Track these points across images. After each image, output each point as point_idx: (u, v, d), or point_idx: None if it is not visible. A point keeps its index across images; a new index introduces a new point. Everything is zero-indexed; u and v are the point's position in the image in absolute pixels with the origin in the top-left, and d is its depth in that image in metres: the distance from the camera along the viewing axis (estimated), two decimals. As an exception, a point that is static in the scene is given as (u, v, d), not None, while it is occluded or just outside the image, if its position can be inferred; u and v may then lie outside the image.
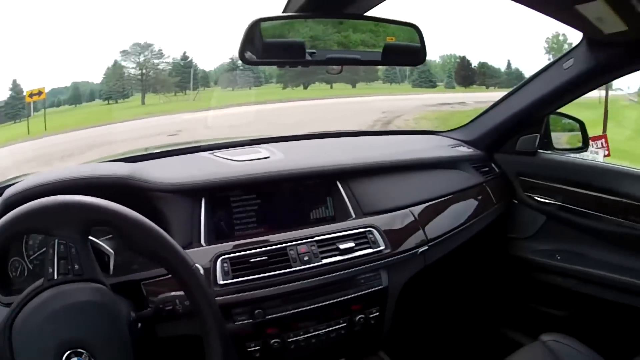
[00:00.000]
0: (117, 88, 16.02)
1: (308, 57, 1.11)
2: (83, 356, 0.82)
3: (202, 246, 1.18)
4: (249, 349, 1.15)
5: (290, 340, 1.19)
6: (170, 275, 0.93)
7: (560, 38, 15.57)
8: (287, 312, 1.18)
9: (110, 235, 1.09)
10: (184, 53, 17.29)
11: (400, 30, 1.18)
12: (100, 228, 0.92)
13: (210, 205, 1.25)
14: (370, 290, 1.30)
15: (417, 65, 1.25)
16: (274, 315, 1.16)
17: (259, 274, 1.15)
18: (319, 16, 1.10)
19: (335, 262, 1.23)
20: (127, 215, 0.88)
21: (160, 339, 1.04)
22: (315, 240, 1.25)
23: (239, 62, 1.15)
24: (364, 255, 1.28)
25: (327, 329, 1.24)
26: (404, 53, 1.20)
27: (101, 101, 15.85)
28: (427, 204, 1.54)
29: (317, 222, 1.35)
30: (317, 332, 1.23)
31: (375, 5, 1.12)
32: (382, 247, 1.32)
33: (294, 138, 1.77)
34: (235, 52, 1.17)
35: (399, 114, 12.60)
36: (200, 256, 1.12)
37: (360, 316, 1.29)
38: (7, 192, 1.10)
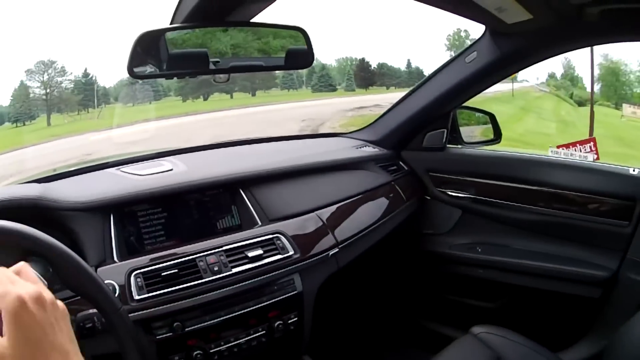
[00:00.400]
0: (24, 109, 15.39)
1: (212, 67, 1.12)
2: None
3: (116, 262, 1.16)
4: None
5: (212, 351, 1.18)
6: None
7: (462, 34, 16.34)
8: (205, 323, 1.17)
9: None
10: (85, 70, 16.79)
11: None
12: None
13: (118, 221, 1.23)
14: (285, 296, 1.30)
15: (306, 67, 1.28)
16: (193, 327, 1.15)
17: (172, 287, 1.14)
18: (203, 26, 1.11)
19: (245, 270, 1.23)
20: (58, 248, 0.86)
21: (88, 359, 1.01)
22: (224, 250, 1.25)
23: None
24: (273, 261, 1.28)
25: (248, 338, 1.24)
26: (302, 57, 1.23)
27: (10, 124, 15.22)
28: (334, 206, 1.56)
29: (225, 232, 1.34)
30: (239, 341, 1.22)
31: (259, 12, 1.13)
32: (291, 253, 1.33)
33: (199, 149, 1.75)
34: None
35: (320, 121, 12.40)
36: (114, 273, 1.12)
37: (279, 322, 1.29)
38: None
